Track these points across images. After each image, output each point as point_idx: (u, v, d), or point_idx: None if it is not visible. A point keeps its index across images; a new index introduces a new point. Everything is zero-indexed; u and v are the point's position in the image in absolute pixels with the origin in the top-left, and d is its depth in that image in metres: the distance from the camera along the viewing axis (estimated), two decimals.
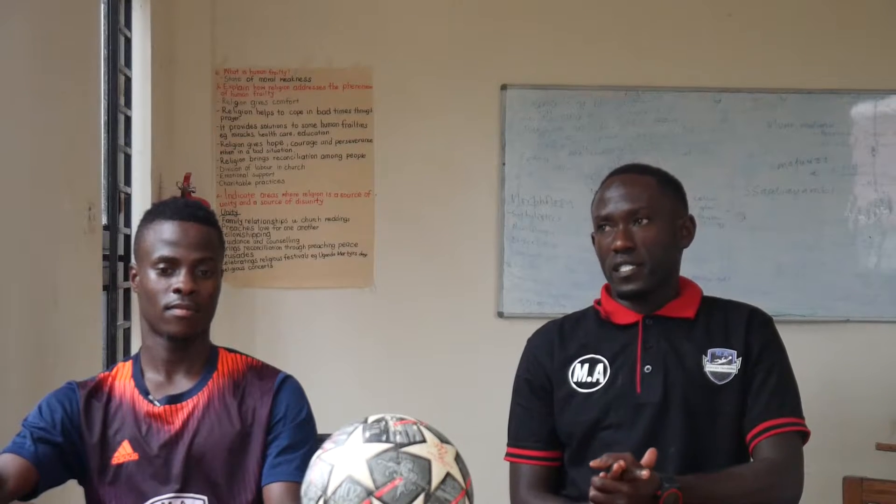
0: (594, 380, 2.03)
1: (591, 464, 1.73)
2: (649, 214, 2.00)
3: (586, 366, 2.05)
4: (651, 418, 1.97)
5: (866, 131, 3.96)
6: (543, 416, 2.08)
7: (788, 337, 2.09)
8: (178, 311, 1.82)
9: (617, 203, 2.02)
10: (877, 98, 3.95)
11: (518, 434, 2.12)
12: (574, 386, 2.04)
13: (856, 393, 3.91)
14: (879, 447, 3.52)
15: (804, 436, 1.99)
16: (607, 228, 2.03)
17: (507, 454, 2.13)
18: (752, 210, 3.94)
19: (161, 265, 1.83)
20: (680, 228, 2.06)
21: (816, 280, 3.94)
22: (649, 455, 1.73)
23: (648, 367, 2.00)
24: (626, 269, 2.00)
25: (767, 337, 2.02)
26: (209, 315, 1.89)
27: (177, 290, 1.81)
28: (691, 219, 2.10)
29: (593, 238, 2.10)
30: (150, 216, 1.91)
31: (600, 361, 2.04)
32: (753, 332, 2.01)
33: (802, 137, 3.94)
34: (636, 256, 1.99)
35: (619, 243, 1.99)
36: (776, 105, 3.94)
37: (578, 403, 2.03)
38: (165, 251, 1.83)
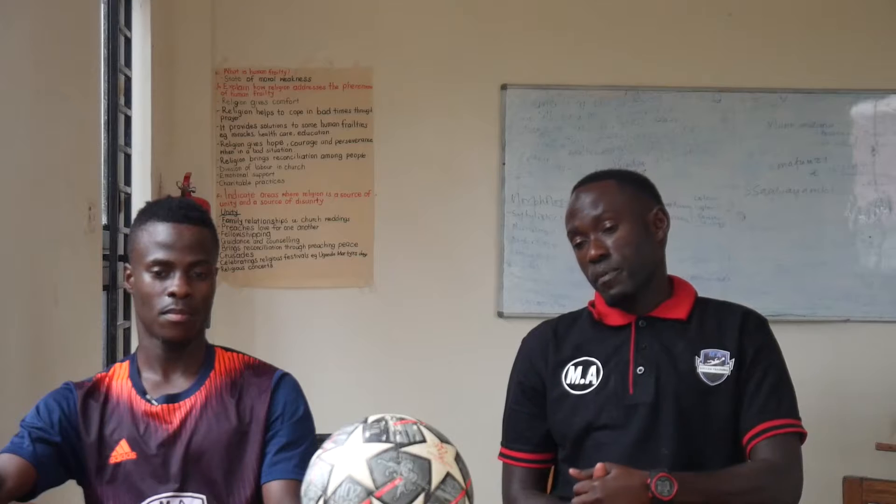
0: (587, 381, 2.03)
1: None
2: (613, 217, 2.00)
3: (580, 368, 2.05)
4: (643, 419, 1.97)
5: (866, 131, 3.96)
6: (534, 420, 2.09)
7: (788, 337, 2.09)
8: (172, 317, 1.80)
9: (581, 214, 2.03)
10: (877, 98, 3.95)
11: (509, 435, 2.14)
12: (567, 388, 2.05)
13: (856, 393, 3.91)
14: (879, 447, 3.52)
15: (802, 437, 1.99)
16: (579, 240, 2.04)
17: (500, 454, 2.14)
18: (752, 210, 3.93)
19: (155, 268, 1.81)
20: (651, 222, 2.04)
21: (816, 280, 3.94)
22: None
23: (641, 368, 2.00)
24: (605, 277, 2.00)
25: (763, 339, 2.02)
26: (205, 317, 1.87)
27: (171, 294, 1.80)
28: (662, 210, 2.07)
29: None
30: (144, 217, 1.88)
31: (593, 363, 2.04)
32: (747, 333, 2.01)
33: (802, 137, 3.94)
34: (612, 262, 1.99)
35: (592, 252, 2.00)
36: (776, 105, 3.94)
37: (571, 405, 2.03)
38: (160, 254, 1.81)
